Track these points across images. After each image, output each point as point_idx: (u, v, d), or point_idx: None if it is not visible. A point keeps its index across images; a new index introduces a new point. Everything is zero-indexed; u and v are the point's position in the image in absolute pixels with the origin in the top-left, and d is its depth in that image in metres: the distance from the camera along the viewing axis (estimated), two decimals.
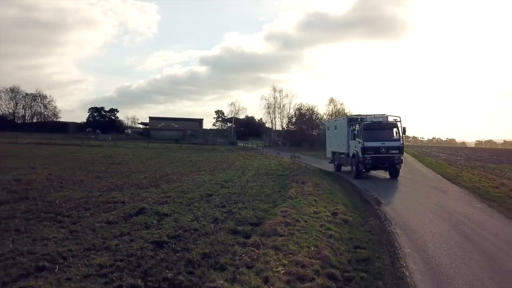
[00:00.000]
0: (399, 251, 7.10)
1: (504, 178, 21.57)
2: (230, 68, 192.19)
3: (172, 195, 11.48)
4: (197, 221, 8.23)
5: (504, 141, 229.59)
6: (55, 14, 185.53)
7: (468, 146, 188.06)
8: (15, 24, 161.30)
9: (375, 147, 18.33)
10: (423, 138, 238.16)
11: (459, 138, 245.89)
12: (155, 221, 8.22)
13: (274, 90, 70.16)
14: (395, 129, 19.19)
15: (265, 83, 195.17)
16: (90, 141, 46.75)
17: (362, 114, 20.94)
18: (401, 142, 18.91)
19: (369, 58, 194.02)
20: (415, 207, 11.55)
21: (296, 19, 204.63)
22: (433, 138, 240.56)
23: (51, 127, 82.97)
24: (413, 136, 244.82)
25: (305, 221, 8.36)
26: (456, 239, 8.00)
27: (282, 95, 67.91)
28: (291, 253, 6.18)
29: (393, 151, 18.47)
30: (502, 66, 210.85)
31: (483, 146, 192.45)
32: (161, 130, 72.93)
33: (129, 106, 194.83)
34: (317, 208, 9.77)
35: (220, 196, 11.64)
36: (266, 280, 5.05)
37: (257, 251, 6.13)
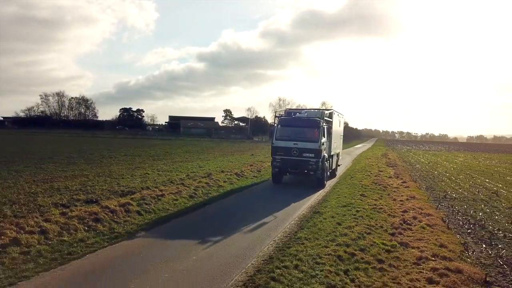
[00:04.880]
0: None
1: (396, 152, 47.45)
2: (227, 65, 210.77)
3: (256, 153, 36.74)
4: None
5: (494, 136, 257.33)
6: (54, 12, 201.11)
7: (460, 141, 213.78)
8: (14, 22, 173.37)
9: (285, 147, 16.93)
10: (417, 133, 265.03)
11: (451, 134, 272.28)
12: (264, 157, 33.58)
13: (279, 99, 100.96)
14: (317, 128, 16.83)
15: (263, 80, 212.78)
16: (155, 137, 72.05)
17: (302, 108, 17.72)
18: (319, 144, 16.61)
19: (364, 55, 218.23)
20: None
21: (291, 17, 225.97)
22: (426, 133, 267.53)
23: (91, 125, 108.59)
24: (407, 132, 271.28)
25: None
26: None
27: (285, 103, 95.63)
28: None
29: (307, 154, 16.57)
30: (501, 66, 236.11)
31: (474, 142, 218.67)
32: (190, 128, 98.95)
33: (127, 102, 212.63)
34: None
35: None
36: None
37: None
